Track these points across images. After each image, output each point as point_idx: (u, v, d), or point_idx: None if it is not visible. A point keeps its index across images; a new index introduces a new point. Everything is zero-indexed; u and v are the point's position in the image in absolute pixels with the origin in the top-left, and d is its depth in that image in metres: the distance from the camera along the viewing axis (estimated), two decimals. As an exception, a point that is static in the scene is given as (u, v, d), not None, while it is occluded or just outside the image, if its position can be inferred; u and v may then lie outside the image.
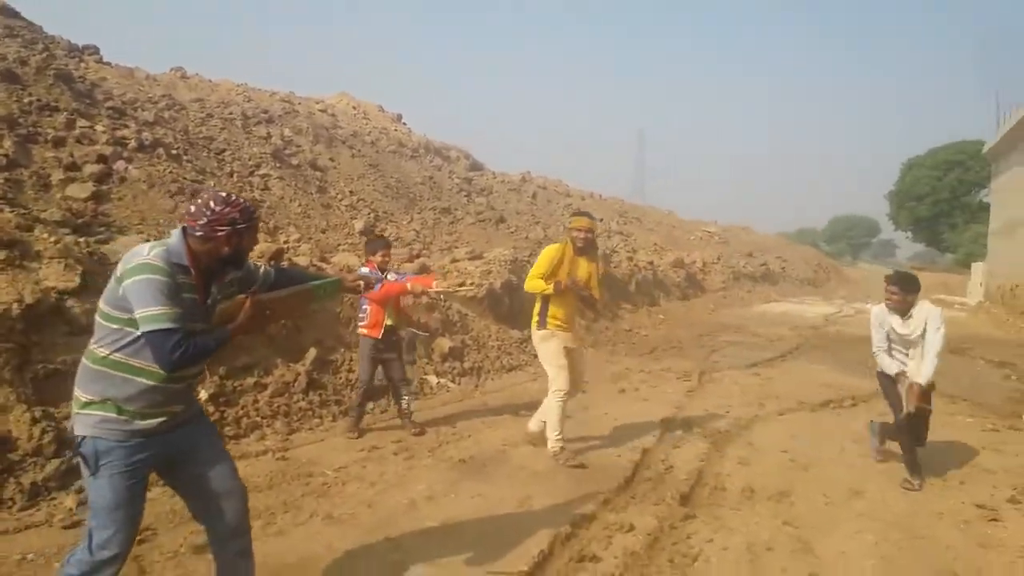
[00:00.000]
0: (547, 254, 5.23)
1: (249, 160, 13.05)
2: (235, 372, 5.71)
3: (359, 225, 12.62)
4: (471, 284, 5.83)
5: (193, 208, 2.41)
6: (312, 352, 6.48)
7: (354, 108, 23.46)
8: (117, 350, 2.32)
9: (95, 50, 14.49)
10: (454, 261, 10.83)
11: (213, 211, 2.38)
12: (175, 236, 2.39)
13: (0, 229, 5.28)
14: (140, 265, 2.26)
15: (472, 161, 23.98)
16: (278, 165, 13.48)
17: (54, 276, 4.78)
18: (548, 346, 5.20)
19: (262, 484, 4.37)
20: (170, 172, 10.23)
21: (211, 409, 5.19)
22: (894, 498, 4.68)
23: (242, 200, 2.47)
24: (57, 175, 8.68)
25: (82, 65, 13.19)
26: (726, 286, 22.28)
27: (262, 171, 12.93)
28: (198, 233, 2.39)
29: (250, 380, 5.74)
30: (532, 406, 7.11)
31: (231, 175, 12.12)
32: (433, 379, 7.48)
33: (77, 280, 4.84)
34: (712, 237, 31.80)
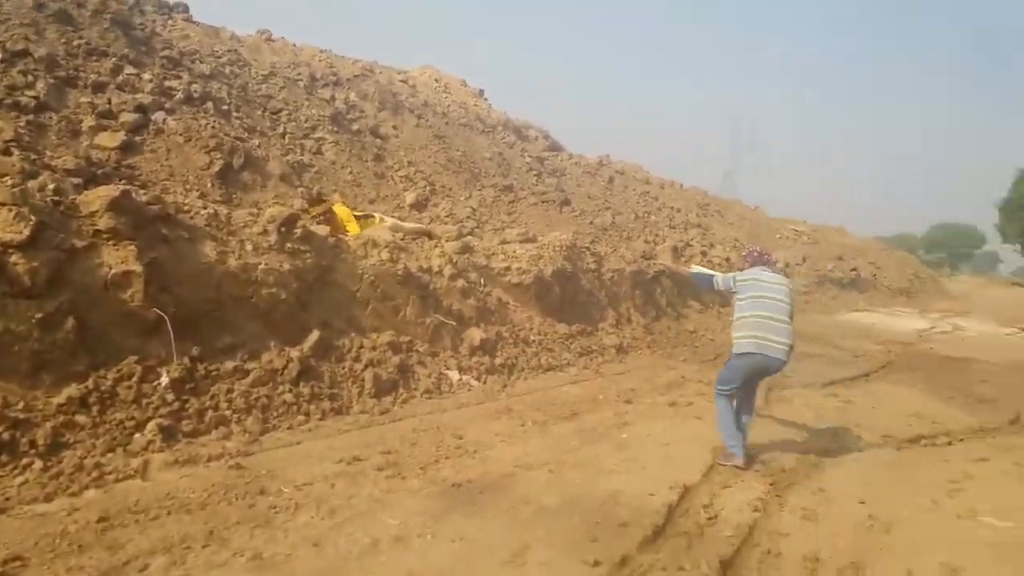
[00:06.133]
0: None
1: (305, 122, 12.49)
2: (212, 353, 4.94)
3: (410, 198, 11.88)
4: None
5: None
6: (314, 334, 5.66)
7: (436, 80, 22.72)
8: None
9: (184, 8, 14.20)
10: (503, 243, 9.90)
11: None
12: None
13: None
14: None
15: (551, 142, 22.83)
16: (335, 129, 12.86)
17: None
18: None
19: (194, 502, 3.59)
20: (211, 127, 9.68)
21: (170, 398, 4.43)
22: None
23: None
24: (88, 122, 8.25)
25: (169, 22, 12.96)
26: (809, 290, 20.46)
27: (317, 134, 12.34)
28: None
29: (229, 364, 4.95)
30: (565, 415, 6.19)
31: (283, 136, 11.58)
32: (454, 375, 6.58)
33: (26, 232, 4.12)
34: (800, 236, 29.51)
